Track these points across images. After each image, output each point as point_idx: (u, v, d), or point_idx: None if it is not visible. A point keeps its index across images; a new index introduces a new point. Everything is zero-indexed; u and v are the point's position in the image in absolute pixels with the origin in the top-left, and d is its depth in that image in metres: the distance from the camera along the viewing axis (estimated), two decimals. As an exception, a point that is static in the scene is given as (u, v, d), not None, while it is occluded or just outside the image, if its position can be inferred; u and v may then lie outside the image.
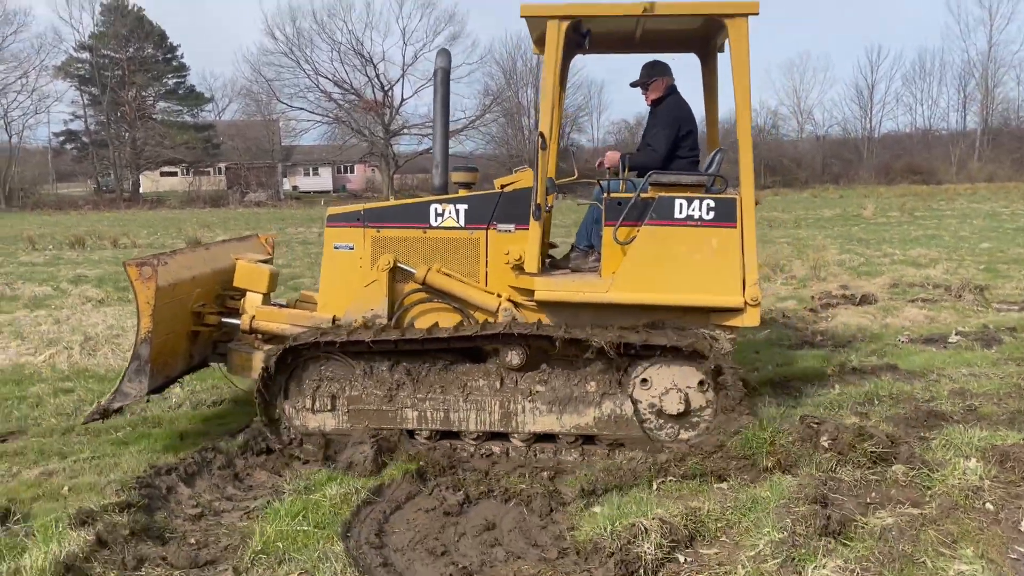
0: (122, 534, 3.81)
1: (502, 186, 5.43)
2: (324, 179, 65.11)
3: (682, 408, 4.94)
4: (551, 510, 4.27)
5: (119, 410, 4.99)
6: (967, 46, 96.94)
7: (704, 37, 5.81)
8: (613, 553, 3.52)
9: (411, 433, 5.20)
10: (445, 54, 5.72)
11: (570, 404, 5.04)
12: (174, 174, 58.78)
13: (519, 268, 5.18)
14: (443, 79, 5.66)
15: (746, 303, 4.99)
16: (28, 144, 54.94)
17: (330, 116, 54.63)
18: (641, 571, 3.46)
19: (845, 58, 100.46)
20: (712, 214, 5.00)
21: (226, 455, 5.07)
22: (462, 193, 5.54)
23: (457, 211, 5.38)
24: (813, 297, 10.77)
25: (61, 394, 6.60)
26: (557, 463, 5.02)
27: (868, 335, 8.38)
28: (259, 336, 5.48)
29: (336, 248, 5.46)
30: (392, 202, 5.66)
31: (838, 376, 6.84)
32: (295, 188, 62.05)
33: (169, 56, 55.91)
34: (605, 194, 5.18)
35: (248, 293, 5.56)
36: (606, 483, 4.45)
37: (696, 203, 5.01)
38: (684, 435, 5.04)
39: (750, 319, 5.03)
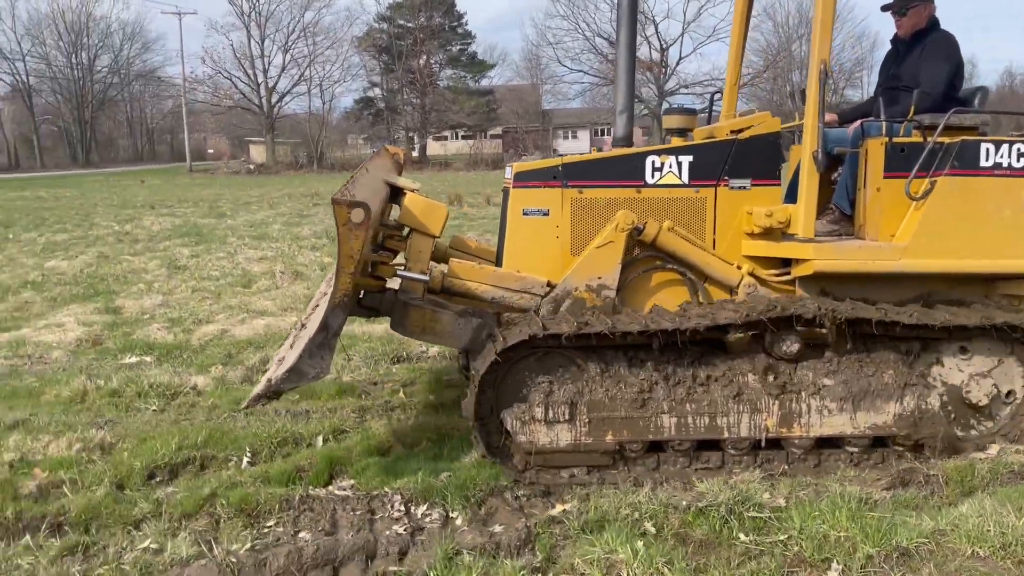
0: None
1: (734, 132, 4.49)
2: (582, 142, 65.98)
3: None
4: None
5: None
6: None
7: None
8: None
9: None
10: None
11: None
12: (445, 138, 62.48)
13: (766, 233, 4.30)
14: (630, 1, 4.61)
15: None
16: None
17: (606, 78, 54.90)
18: None
19: None
20: (1023, 161, 4.25)
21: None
22: (675, 143, 4.55)
23: (679, 164, 4.40)
24: None
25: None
26: None
27: None
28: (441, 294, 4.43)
29: (525, 214, 4.44)
30: (597, 155, 4.58)
31: None
32: (555, 151, 63.52)
33: (455, 24, 59.08)
34: (864, 141, 4.40)
35: (414, 234, 4.39)
36: None
37: (1004, 148, 4.23)
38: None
39: None
